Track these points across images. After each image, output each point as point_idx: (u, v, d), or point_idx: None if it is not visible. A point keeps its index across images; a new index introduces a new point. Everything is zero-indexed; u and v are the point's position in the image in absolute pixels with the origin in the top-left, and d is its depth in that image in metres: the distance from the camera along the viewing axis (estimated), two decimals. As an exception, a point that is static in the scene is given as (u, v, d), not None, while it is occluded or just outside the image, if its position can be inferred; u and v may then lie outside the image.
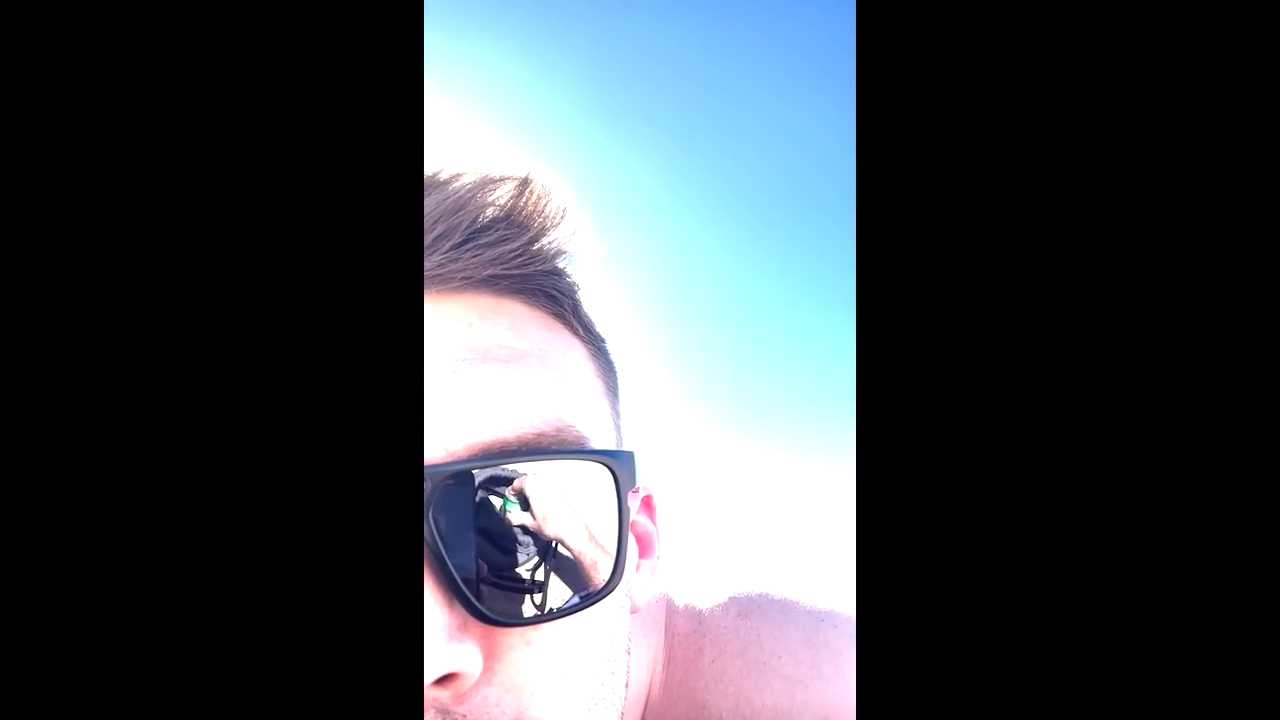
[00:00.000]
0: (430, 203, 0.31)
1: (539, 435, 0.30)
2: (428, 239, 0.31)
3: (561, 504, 0.31)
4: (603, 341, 0.39)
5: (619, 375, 0.40)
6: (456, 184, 0.33)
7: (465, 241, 0.32)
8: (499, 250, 0.32)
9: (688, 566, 0.54)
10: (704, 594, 0.52)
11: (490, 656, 0.29)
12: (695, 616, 0.49)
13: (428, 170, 0.33)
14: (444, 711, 0.27)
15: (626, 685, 0.36)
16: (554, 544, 0.31)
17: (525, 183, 0.34)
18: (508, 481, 0.30)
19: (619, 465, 0.32)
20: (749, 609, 0.49)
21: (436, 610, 0.27)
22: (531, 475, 0.30)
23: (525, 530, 0.30)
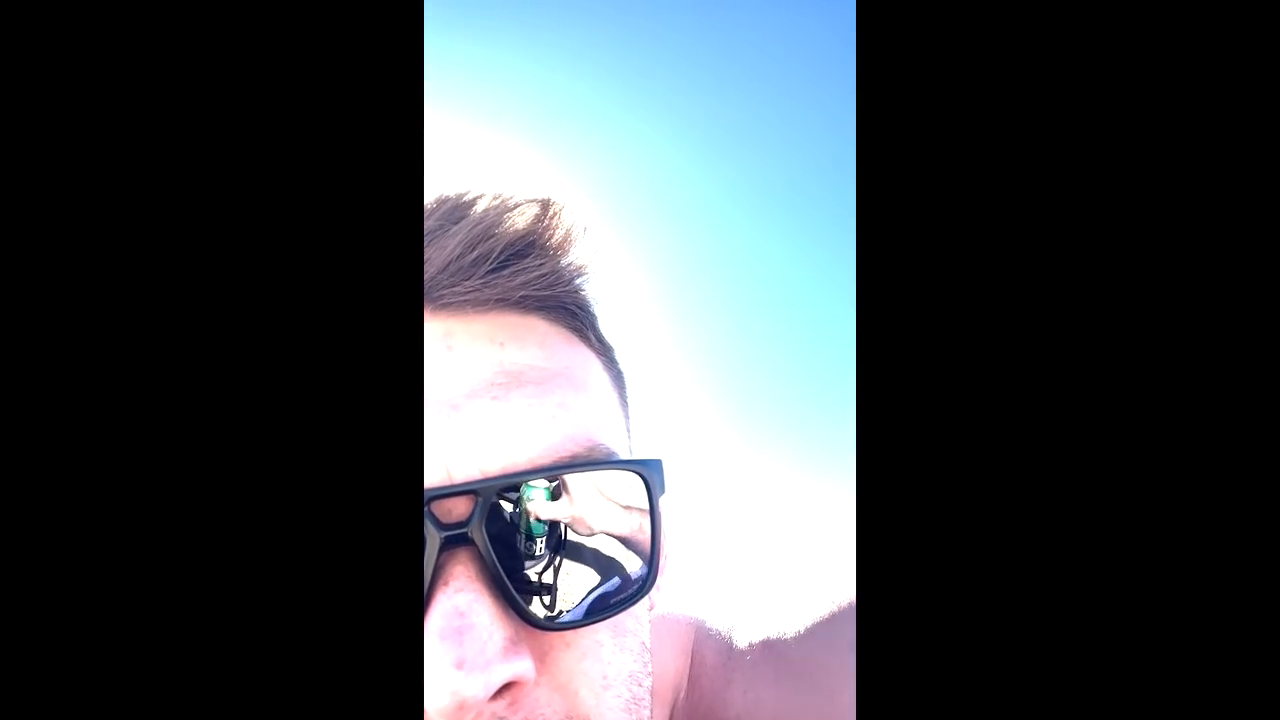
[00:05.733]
0: (460, 228, 0.35)
1: (573, 457, 0.33)
2: (463, 262, 0.34)
3: (600, 512, 0.34)
4: (614, 351, 0.41)
5: (626, 382, 0.42)
6: (481, 207, 0.36)
7: (501, 266, 0.35)
8: (531, 275, 0.35)
9: (714, 589, 0.55)
10: (731, 628, 0.53)
11: (539, 661, 0.31)
12: (724, 650, 0.52)
13: (449, 193, 0.37)
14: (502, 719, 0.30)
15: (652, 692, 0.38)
16: (595, 550, 0.34)
17: (547, 204, 0.37)
18: (550, 494, 0.33)
19: (650, 473, 0.35)
20: (771, 640, 0.52)
21: (492, 623, 0.30)
22: (573, 486, 0.33)
23: (568, 539, 0.33)
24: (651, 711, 0.38)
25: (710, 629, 0.53)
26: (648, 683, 0.36)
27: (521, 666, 0.30)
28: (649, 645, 0.38)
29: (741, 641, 0.51)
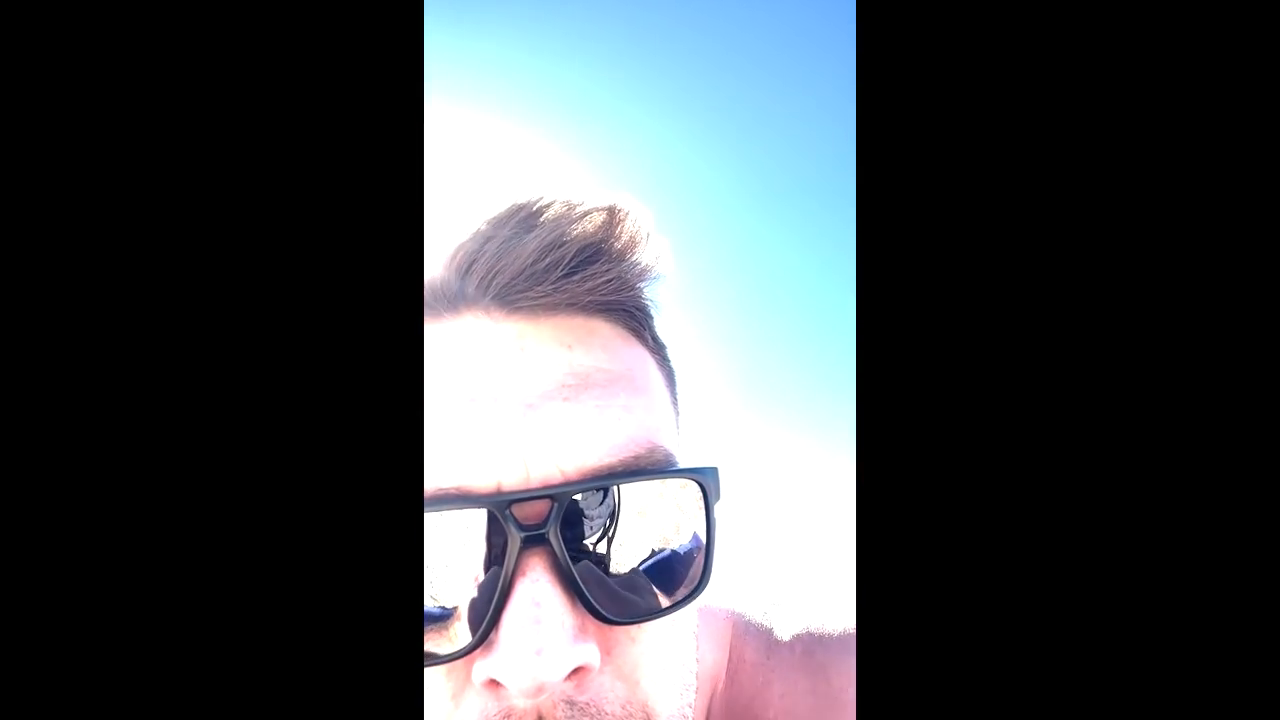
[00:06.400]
0: (533, 236, 0.37)
1: (637, 458, 0.35)
2: (537, 269, 0.36)
3: (661, 516, 0.36)
4: (666, 350, 0.43)
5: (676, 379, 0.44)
6: (551, 214, 0.38)
7: (571, 272, 0.37)
8: (598, 280, 0.37)
9: (751, 586, 0.57)
10: (771, 624, 0.54)
11: (604, 651, 0.34)
12: (764, 648, 0.54)
13: (520, 200, 0.38)
14: (570, 702, 0.33)
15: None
16: (656, 551, 0.36)
17: (613, 211, 0.39)
18: (617, 499, 0.35)
19: (707, 480, 0.38)
20: (812, 645, 0.54)
21: (564, 614, 0.32)
22: (638, 493, 0.36)
23: (633, 541, 0.36)
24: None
25: (749, 625, 0.55)
26: (695, 667, 0.39)
27: (588, 653, 0.32)
28: (695, 634, 0.40)
29: (781, 642, 0.53)
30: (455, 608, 0.33)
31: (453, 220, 0.38)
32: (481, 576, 0.33)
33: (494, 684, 0.32)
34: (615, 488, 0.35)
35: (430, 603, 0.33)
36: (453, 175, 0.43)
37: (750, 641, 0.54)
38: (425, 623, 0.33)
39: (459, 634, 0.33)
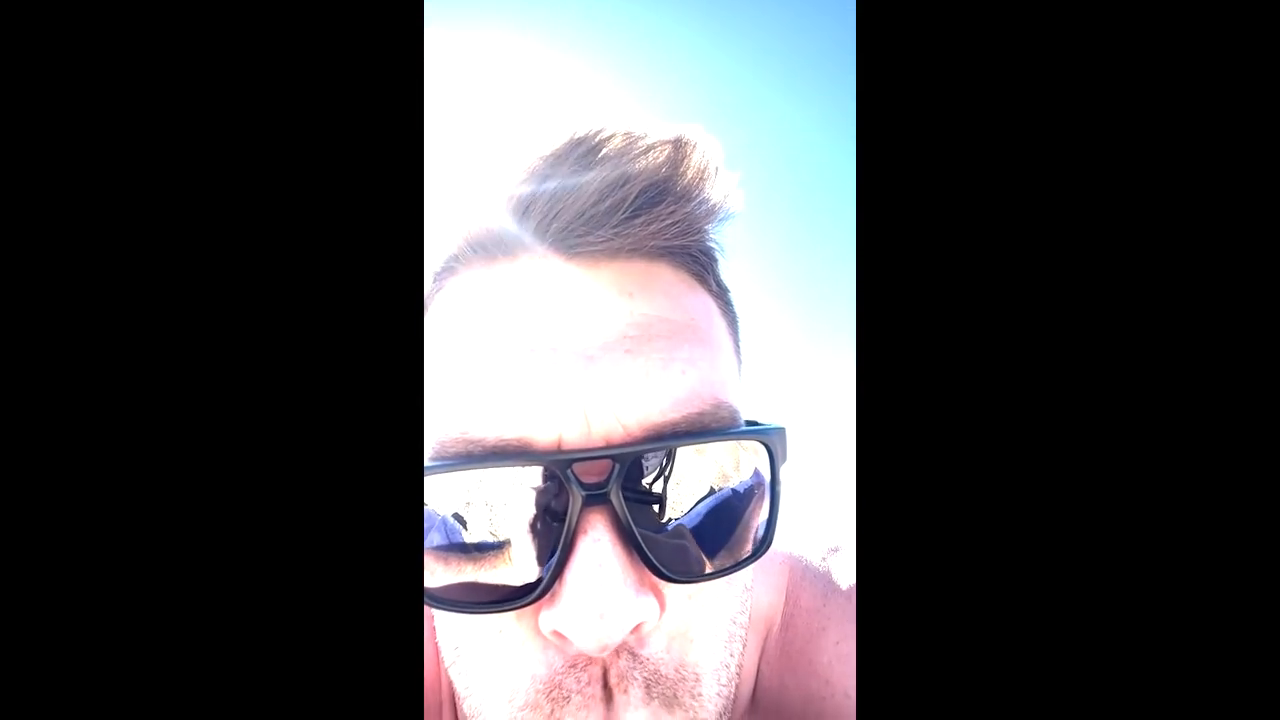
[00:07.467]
0: (593, 177, 0.34)
1: (701, 414, 0.34)
2: (597, 211, 0.34)
3: (724, 476, 0.36)
4: (730, 294, 0.41)
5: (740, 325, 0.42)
6: (611, 149, 0.35)
7: (634, 215, 0.35)
8: (663, 224, 0.35)
9: (807, 526, 0.56)
10: (829, 570, 0.54)
11: (660, 605, 0.34)
12: (821, 594, 0.53)
13: (579, 133, 0.36)
14: (633, 653, 0.33)
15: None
16: (718, 510, 0.36)
17: (679, 146, 0.36)
18: (679, 458, 0.34)
19: (773, 440, 0.36)
20: None
21: (626, 573, 0.32)
22: (701, 452, 0.35)
23: (695, 499, 0.35)
24: (745, 644, 0.40)
25: (807, 569, 0.54)
26: (743, 619, 0.39)
27: (649, 611, 0.33)
28: (750, 586, 0.40)
29: (838, 591, 0.52)
30: (520, 557, 0.33)
31: (509, 156, 0.36)
32: (544, 528, 0.33)
33: (560, 635, 0.33)
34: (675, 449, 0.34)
35: (496, 550, 0.33)
36: (507, 108, 0.41)
37: (807, 587, 0.53)
38: (490, 568, 0.33)
39: (525, 583, 0.33)
